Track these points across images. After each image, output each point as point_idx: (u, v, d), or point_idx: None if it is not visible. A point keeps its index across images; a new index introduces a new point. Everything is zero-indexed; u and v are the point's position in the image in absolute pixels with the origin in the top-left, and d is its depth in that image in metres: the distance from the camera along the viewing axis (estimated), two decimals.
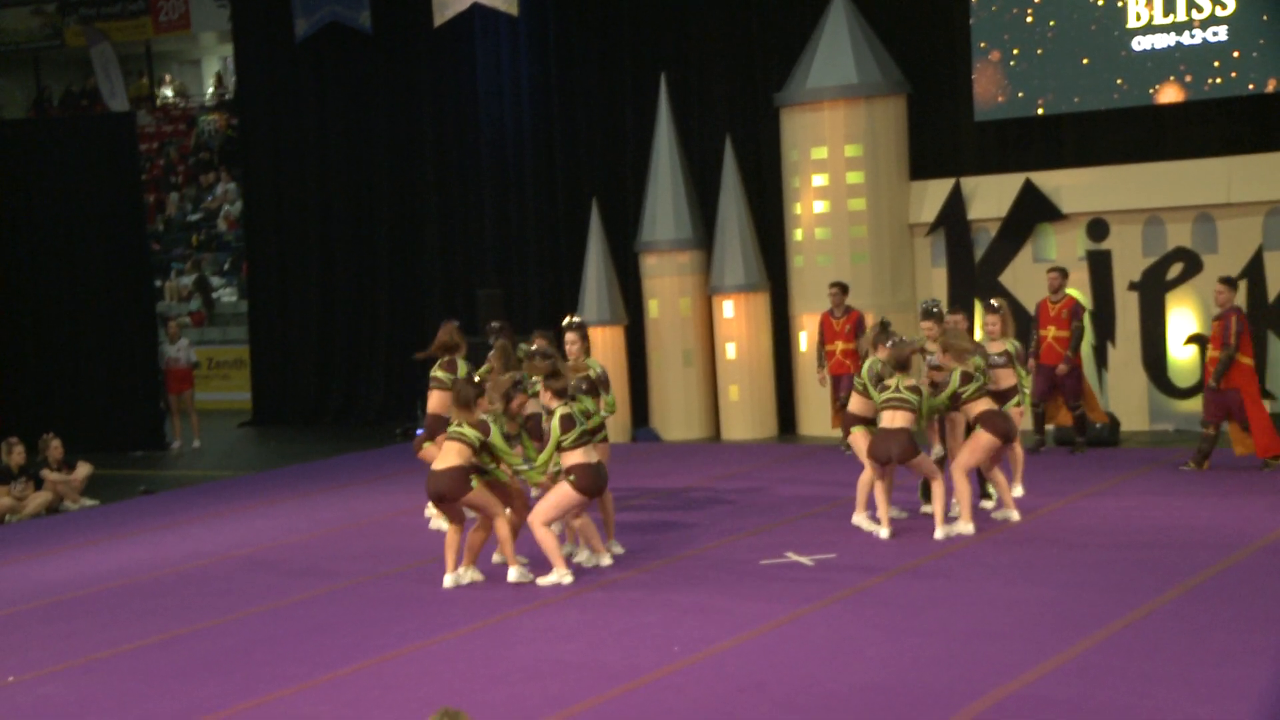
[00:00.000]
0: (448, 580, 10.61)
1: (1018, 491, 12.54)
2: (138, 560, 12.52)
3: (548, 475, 10.67)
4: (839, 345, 15.42)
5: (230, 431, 21.44)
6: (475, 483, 10.36)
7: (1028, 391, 12.49)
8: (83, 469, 15.86)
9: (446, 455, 10.39)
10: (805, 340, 16.88)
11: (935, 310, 12.25)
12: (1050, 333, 14.58)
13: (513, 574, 10.56)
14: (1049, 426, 15.09)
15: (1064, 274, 14.83)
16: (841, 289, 15.57)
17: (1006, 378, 12.33)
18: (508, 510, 10.64)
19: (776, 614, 9.41)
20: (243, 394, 22.98)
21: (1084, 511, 12.03)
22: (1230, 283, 13.62)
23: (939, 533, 11.27)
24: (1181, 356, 15.97)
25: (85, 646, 9.79)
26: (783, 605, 9.61)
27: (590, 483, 10.50)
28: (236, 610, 10.49)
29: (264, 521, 13.95)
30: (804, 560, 10.88)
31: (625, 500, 13.36)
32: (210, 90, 34.76)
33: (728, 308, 17.38)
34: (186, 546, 12.96)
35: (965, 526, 11.34)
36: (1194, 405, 15.88)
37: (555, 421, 10.51)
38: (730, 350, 17.41)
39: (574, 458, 10.50)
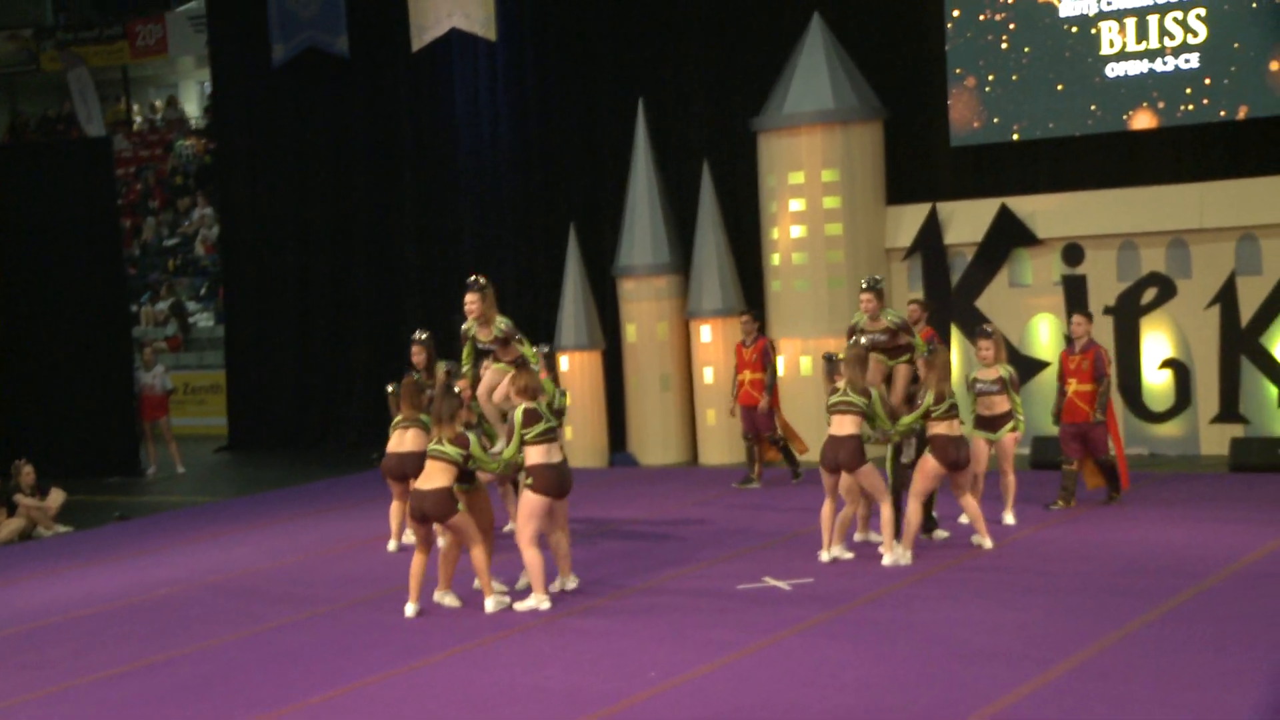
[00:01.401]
0: (409, 609, 10.53)
1: (1009, 519, 12.54)
2: (112, 587, 12.45)
3: (510, 469, 10.75)
4: (747, 375, 15.32)
5: (206, 457, 21.36)
6: (460, 506, 10.34)
7: (1021, 417, 12.45)
8: (56, 496, 15.74)
9: (431, 475, 10.35)
10: (782, 365, 16.89)
11: (877, 286, 11.95)
12: None
13: (489, 604, 10.49)
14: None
15: (924, 306, 13.54)
16: (753, 318, 15.49)
17: (1000, 404, 12.34)
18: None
19: (754, 639, 9.40)
20: (219, 419, 22.92)
21: (1061, 536, 12.06)
22: (1089, 315, 13.52)
23: (886, 558, 11.23)
24: (1156, 381, 16.04)
25: (59, 674, 9.72)
26: (760, 630, 9.60)
27: (549, 483, 10.41)
28: (212, 637, 10.43)
29: (240, 548, 13.89)
30: (782, 585, 10.87)
31: (602, 525, 13.33)
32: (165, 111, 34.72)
33: (705, 332, 17.39)
34: (161, 573, 12.89)
35: (904, 555, 11.26)
36: (1169, 429, 15.98)
37: (518, 415, 10.48)
38: (708, 375, 17.40)
39: (534, 456, 10.43)
